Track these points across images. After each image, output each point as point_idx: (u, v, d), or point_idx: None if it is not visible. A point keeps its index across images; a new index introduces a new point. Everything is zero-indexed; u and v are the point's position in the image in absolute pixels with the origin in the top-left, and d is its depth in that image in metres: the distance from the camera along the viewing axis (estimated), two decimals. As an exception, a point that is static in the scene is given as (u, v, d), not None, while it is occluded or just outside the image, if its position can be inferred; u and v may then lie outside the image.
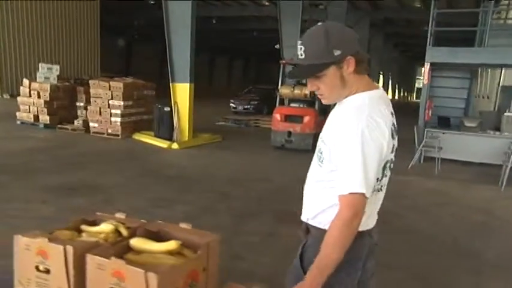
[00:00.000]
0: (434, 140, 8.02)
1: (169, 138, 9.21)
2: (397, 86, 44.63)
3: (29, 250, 1.52)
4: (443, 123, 8.81)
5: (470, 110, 9.85)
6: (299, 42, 1.45)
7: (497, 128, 8.43)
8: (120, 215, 1.87)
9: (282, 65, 9.78)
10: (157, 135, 9.55)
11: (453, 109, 9.74)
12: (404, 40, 33.54)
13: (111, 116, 9.64)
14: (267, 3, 23.69)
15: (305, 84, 9.94)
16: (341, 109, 1.52)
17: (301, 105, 9.32)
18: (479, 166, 8.13)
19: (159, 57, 29.76)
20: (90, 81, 10.12)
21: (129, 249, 1.60)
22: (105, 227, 1.73)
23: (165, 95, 9.78)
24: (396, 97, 45.25)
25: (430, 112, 8.49)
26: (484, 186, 6.97)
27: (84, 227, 1.79)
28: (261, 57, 39.82)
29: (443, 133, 8.27)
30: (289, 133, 9.01)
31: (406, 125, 17.07)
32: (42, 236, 1.53)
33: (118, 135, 9.55)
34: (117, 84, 9.71)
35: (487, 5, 9.04)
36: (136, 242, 1.61)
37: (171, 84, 9.41)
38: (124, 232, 1.73)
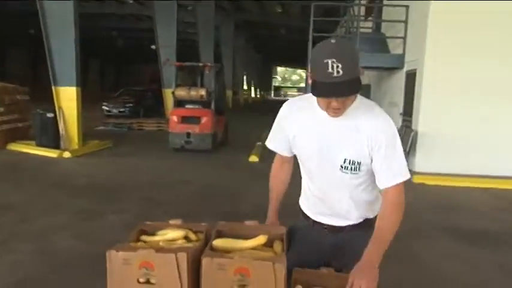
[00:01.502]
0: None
1: (56, 147, 8.41)
2: (257, 86, 47.33)
3: (129, 264, 1.48)
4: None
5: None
6: (332, 60, 1.39)
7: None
8: (174, 221, 1.88)
9: (176, 67, 9.73)
10: (40, 144, 8.63)
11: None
12: (263, 42, 35.91)
13: (-22, 125, 8.35)
14: (130, 1, 22.88)
15: (197, 85, 10.10)
16: (363, 114, 1.60)
17: (197, 106, 9.44)
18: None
19: (32, 59, 26.29)
20: None
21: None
22: (177, 234, 1.75)
23: (40, 100, 8.87)
24: (257, 96, 48.05)
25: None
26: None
27: (149, 237, 1.77)
28: (129, 58, 37.95)
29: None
30: (188, 134, 9.07)
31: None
32: (143, 249, 1.51)
33: (-11, 147, 8.34)
34: (-16, 89, 8.46)
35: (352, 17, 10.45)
36: (221, 243, 1.68)
37: (53, 88, 8.58)
38: (193, 237, 1.78)
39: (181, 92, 9.37)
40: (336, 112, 1.55)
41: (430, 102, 7.55)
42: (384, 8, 10.85)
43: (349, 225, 1.78)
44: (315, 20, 9.50)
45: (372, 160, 1.62)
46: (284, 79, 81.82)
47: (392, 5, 9.53)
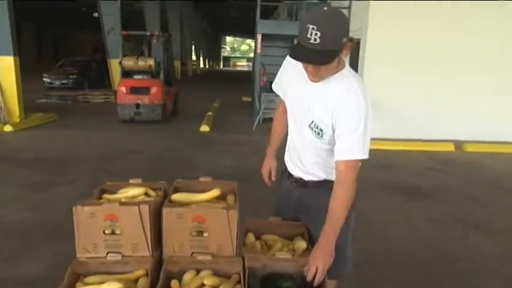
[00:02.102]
0: (271, 103, 9.24)
1: (-5, 120, 8.04)
2: (206, 56, 46.53)
3: (95, 217, 1.62)
4: (275, 87, 10.12)
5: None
6: (313, 26, 1.44)
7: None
8: (134, 181, 2.01)
9: (122, 36, 9.44)
10: (-23, 118, 8.18)
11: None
12: (211, 11, 35.16)
13: None
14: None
15: (144, 55, 9.90)
16: (338, 87, 1.66)
17: (146, 77, 9.30)
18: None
19: None
20: None
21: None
22: (137, 190, 1.89)
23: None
24: (207, 66, 47.35)
25: (265, 78, 9.65)
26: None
27: (110, 195, 1.89)
28: (67, 25, 35.63)
29: (276, 96, 9.54)
30: (138, 105, 8.95)
31: (237, 89, 18.31)
32: (108, 203, 1.65)
33: None
34: None
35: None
36: (179, 197, 1.84)
37: (-14, 58, 8.09)
38: (152, 193, 1.92)
39: (129, 62, 9.16)
40: (311, 77, 1.64)
41: (373, 71, 7.97)
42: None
43: (312, 181, 1.93)
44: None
45: (333, 131, 1.70)
46: (233, 49, 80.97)
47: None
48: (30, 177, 5.05)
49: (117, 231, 1.64)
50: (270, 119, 8.68)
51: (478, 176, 6.05)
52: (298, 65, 1.65)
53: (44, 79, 16.10)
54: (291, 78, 1.86)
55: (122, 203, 1.64)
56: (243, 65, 65.06)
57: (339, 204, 1.65)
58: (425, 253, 3.48)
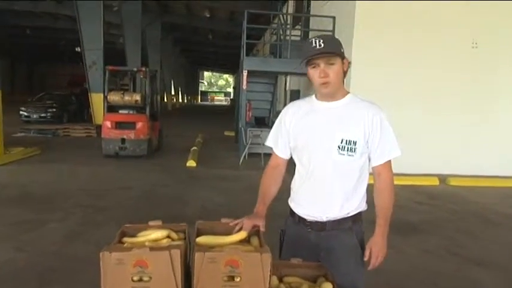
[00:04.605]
0: (256, 138, 9.29)
1: (-27, 156, 7.76)
2: (184, 91, 46.77)
3: (123, 264, 1.55)
4: (260, 122, 10.24)
5: (273, 110, 11.73)
6: (316, 38, 1.75)
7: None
8: (154, 223, 1.96)
9: (108, 72, 9.41)
10: (-45, 154, 7.89)
11: (262, 110, 11.39)
12: (190, 46, 35.69)
13: None
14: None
15: (129, 90, 9.88)
16: (354, 106, 1.86)
17: (131, 112, 9.24)
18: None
19: None
20: None
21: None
22: (160, 233, 1.83)
23: None
24: (185, 101, 47.49)
25: (250, 114, 9.75)
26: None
27: (133, 239, 1.83)
28: (44, 59, 35.34)
29: (262, 131, 9.64)
30: (123, 140, 8.84)
31: (219, 124, 18.29)
32: (137, 248, 1.59)
33: None
34: None
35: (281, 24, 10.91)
36: (205, 240, 1.80)
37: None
38: (175, 236, 1.87)
39: (115, 97, 9.10)
40: (325, 83, 1.78)
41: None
42: (312, 18, 11.47)
43: (329, 221, 1.91)
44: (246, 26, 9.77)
45: (367, 141, 1.83)
46: (210, 84, 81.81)
47: (319, 15, 10.12)
48: (17, 216, 4.84)
49: (145, 278, 1.57)
50: (256, 154, 8.76)
51: (465, 209, 6.17)
52: (302, 104, 1.96)
53: (21, 112, 15.78)
54: (297, 117, 1.94)
55: (152, 248, 1.59)
56: (220, 99, 65.68)
57: (387, 202, 1.93)
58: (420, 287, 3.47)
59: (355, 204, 1.94)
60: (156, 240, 1.81)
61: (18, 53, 32.34)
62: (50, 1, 21.72)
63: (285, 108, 2.06)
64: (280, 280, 1.89)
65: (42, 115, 15.64)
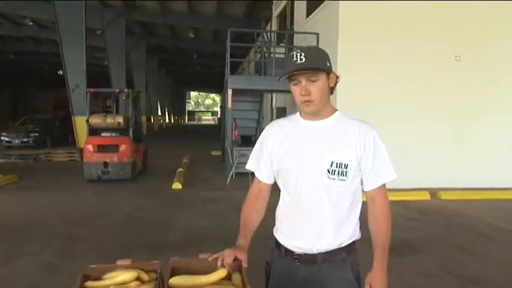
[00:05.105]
0: (243, 157, 9.10)
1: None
2: (171, 111, 46.59)
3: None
4: (246, 141, 10.08)
5: (260, 128, 11.58)
6: (297, 51, 1.59)
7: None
8: (122, 262, 1.75)
9: (90, 94, 9.19)
10: None
11: (248, 128, 11.25)
12: (175, 67, 35.72)
13: None
14: (30, 23, 21.42)
15: (111, 112, 9.66)
16: (343, 125, 1.69)
17: (114, 134, 9.00)
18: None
19: None
20: None
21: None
22: (128, 275, 1.62)
23: None
24: (172, 121, 47.24)
25: (236, 132, 9.58)
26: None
27: (95, 282, 1.62)
28: (28, 84, 34.98)
29: (248, 150, 9.46)
30: (106, 164, 8.57)
31: (206, 143, 18.11)
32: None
33: None
34: None
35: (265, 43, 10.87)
36: (179, 281, 1.60)
37: None
38: (145, 277, 1.66)
39: (97, 120, 8.87)
40: (307, 101, 1.62)
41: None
42: (295, 35, 11.47)
43: (320, 254, 1.71)
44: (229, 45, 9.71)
45: (359, 164, 1.65)
46: (197, 103, 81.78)
47: (303, 32, 10.11)
48: (-14, 249, 4.54)
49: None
50: (243, 174, 8.58)
51: (458, 224, 6.03)
52: (286, 124, 1.78)
53: (2, 138, 15.39)
54: (280, 139, 1.75)
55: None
56: (208, 118, 65.53)
57: (384, 230, 1.75)
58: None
59: (349, 233, 1.75)
60: (123, 283, 1.60)
61: (1, 78, 31.93)
62: (33, 25, 21.59)
63: (266, 128, 1.87)
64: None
65: (24, 140, 15.25)
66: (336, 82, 1.71)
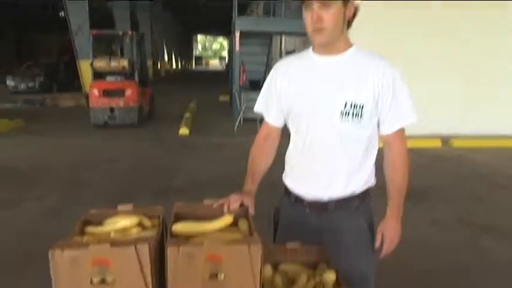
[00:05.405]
0: (251, 102, 8.90)
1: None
2: (178, 55, 45.76)
3: (79, 264, 1.25)
4: (255, 85, 9.82)
5: (269, 73, 11.25)
6: None
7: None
8: (123, 207, 1.65)
9: (92, 36, 8.88)
10: None
11: (256, 72, 10.93)
12: (182, 9, 34.49)
13: None
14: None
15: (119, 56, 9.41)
16: (360, 61, 1.50)
17: (119, 78, 8.80)
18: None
19: None
20: None
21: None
22: (129, 221, 1.52)
23: None
24: (179, 66, 46.51)
25: (244, 77, 9.32)
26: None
27: (96, 228, 1.53)
28: (31, 27, 34.15)
29: (256, 94, 9.20)
30: (112, 109, 8.46)
31: (213, 89, 17.94)
32: (95, 244, 1.28)
33: None
34: None
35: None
36: (182, 227, 1.49)
37: None
38: (147, 223, 1.56)
39: (101, 64, 8.63)
40: (318, 29, 1.42)
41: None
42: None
43: (332, 201, 1.61)
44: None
45: (376, 104, 1.49)
46: (205, 48, 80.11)
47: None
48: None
49: (108, 279, 1.28)
50: (251, 119, 8.45)
51: (471, 172, 5.93)
52: (296, 60, 1.62)
53: (8, 82, 15.23)
54: (289, 77, 1.59)
55: (114, 244, 1.28)
56: (215, 63, 64.48)
57: (400, 178, 1.62)
58: (432, 263, 3.24)
59: (363, 180, 1.62)
60: (124, 230, 1.51)
61: (3, 21, 31.18)
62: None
63: (275, 66, 1.69)
64: (275, 268, 1.61)
65: (30, 84, 15.10)
66: (355, 14, 1.50)
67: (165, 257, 1.30)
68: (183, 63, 51.03)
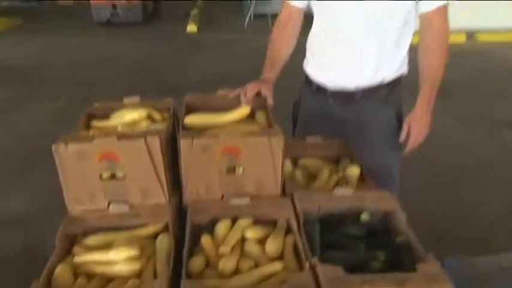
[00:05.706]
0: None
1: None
2: None
3: (85, 157, 1.15)
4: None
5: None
6: None
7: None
8: (130, 100, 1.51)
9: None
10: None
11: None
12: None
13: None
14: None
15: None
16: None
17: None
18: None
19: None
20: None
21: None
22: (137, 114, 1.40)
23: None
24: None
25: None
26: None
27: (102, 122, 1.41)
28: None
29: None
30: (114, 5, 7.96)
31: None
32: (101, 137, 1.17)
33: None
34: None
35: None
36: (195, 119, 1.36)
37: None
38: (157, 116, 1.44)
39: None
40: None
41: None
42: None
43: (359, 90, 1.46)
44: None
45: None
46: None
47: None
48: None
49: (119, 174, 1.19)
50: (262, 15, 7.93)
51: (496, 68, 5.61)
52: None
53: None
54: None
55: (121, 136, 1.16)
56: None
57: (437, 64, 1.43)
58: (458, 158, 3.16)
59: (394, 67, 1.47)
60: (133, 124, 1.39)
61: None
62: None
63: None
64: (295, 163, 1.51)
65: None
66: None
67: (178, 151, 1.19)
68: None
